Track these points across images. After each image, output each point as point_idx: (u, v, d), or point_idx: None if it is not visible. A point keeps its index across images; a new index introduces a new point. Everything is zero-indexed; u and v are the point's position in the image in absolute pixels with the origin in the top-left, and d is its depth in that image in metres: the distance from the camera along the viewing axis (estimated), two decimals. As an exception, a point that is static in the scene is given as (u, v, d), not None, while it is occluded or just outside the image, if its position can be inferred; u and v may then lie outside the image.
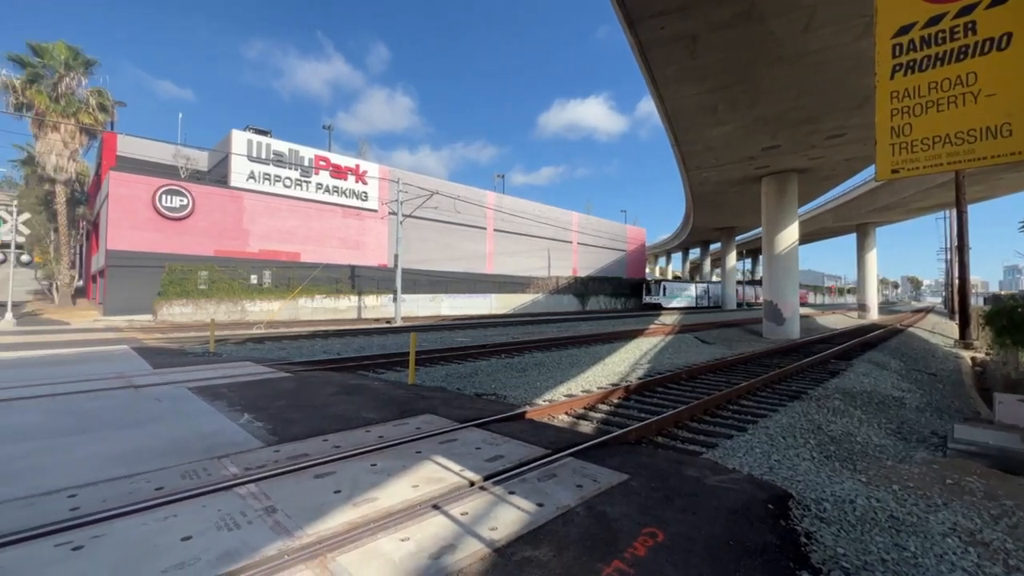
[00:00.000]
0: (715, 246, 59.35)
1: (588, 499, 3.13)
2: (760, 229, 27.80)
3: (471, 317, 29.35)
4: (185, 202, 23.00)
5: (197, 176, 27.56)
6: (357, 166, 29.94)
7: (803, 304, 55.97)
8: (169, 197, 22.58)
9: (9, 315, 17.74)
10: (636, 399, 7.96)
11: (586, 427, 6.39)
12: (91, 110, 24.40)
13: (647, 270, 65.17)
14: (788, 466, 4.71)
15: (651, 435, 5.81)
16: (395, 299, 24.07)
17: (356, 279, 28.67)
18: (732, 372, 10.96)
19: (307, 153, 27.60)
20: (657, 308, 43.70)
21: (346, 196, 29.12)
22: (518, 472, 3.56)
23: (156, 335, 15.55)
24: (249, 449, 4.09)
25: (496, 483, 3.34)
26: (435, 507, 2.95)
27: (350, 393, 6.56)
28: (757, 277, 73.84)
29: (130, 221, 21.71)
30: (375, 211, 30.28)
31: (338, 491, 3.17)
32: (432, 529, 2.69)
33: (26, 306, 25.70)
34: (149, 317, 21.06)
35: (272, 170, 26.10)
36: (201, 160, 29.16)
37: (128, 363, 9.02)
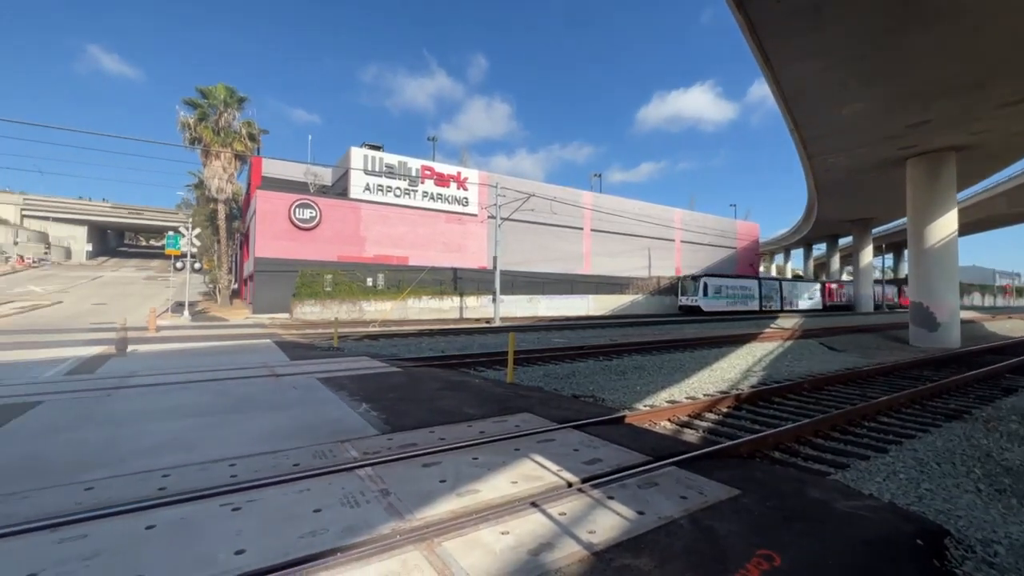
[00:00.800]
0: (845, 240, 52.38)
1: (693, 512, 2.96)
2: (904, 219, 23.96)
3: (568, 318, 29.25)
4: (314, 214, 26.06)
5: (323, 190, 31.07)
6: (458, 173, 31.50)
7: (965, 307, 46.59)
8: (301, 210, 25.76)
9: (186, 313, 21.59)
10: (749, 409, 7.32)
11: (691, 436, 6.04)
12: (243, 139, 28.73)
13: (761, 268, 59.57)
14: (944, 497, 4.01)
15: (767, 449, 5.31)
16: (494, 300, 24.87)
17: (458, 281, 30.15)
18: (868, 384, 9.59)
19: (414, 164, 29.70)
20: (694, 313, 33.93)
21: (448, 202, 30.79)
22: (617, 477, 3.48)
23: (292, 331, 17.81)
24: (366, 436, 4.51)
25: (594, 486, 3.30)
26: (533, 504, 3.00)
27: (453, 389, 6.92)
28: (903, 275, 63.33)
29: (272, 232, 25.17)
30: (475, 215, 31.58)
31: (443, 481, 3.36)
32: (530, 526, 2.74)
33: (197, 305, 31.04)
34: (287, 315, 24.18)
35: (384, 181, 28.51)
36: (326, 176, 32.81)
37: (271, 355, 10.47)
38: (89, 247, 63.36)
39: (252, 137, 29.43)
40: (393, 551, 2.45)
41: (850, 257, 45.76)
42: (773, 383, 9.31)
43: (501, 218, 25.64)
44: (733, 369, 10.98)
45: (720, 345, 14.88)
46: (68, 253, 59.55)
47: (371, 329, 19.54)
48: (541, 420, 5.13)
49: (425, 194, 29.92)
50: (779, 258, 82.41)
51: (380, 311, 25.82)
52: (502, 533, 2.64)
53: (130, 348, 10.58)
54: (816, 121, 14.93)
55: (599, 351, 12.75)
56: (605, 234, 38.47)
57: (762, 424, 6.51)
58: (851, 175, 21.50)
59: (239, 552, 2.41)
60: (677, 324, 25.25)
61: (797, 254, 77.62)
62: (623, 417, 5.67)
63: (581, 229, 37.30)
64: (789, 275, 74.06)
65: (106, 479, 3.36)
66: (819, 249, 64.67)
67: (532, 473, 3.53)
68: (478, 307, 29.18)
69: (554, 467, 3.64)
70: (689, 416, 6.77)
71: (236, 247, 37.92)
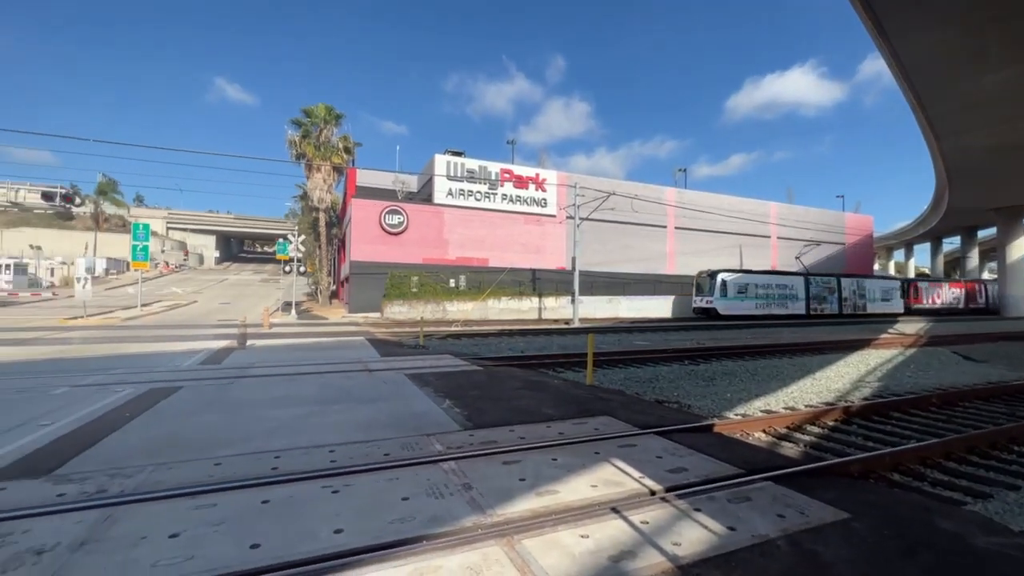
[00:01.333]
0: (985, 232, 44.89)
1: (792, 533, 2.71)
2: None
3: (650, 320, 28.17)
4: (401, 219, 27.67)
5: (409, 197, 32.88)
6: (537, 175, 31.70)
7: None
8: (390, 216, 27.47)
9: (293, 312, 23.98)
10: (861, 424, 6.55)
11: (790, 450, 5.53)
12: (340, 153, 31.29)
13: (876, 265, 52.97)
14: None
15: (883, 470, 4.70)
16: (573, 301, 24.66)
17: (537, 282, 30.32)
18: (1017, 402, 8.13)
19: (493, 168, 30.39)
20: (712, 317, 27.76)
21: (527, 204, 31.09)
22: (705, 488, 3.29)
23: (382, 329, 19.06)
24: (450, 431, 4.70)
25: (679, 496, 3.15)
26: (614, 510, 2.93)
27: (532, 389, 6.97)
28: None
29: (365, 237, 27.12)
30: (553, 216, 31.57)
31: (523, 479, 3.40)
32: (611, 531, 2.68)
33: (302, 305, 34.34)
34: (378, 314, 25.91)
35: (465, 186, 29.50)
36: (412, 183, 34.67)
37: (364, 351, 11.28)
38: (217, 253, 72.81)
39: (348, 150, 31.95)
40: (475, 544, 2.53)
41: (992, 252, 38.94)
42: (891, 395, 8.23)
43: (580, 218, 25.37)
44: (841, 379, 9.88)
45: (825, 351, 13.46)
46: (201, 259, 68.88)
47: (453, 328, 20.30)
48: (622, 424, 4.99)
49: (504, 196, 30.49)
50: (899, 254, 72.71)
51: (462, 311, 26.73)
52: (581, 536, 2.62)
53: (248, 343, 11.97)
54: (945, 96, 12.97)
55: (684, 354, 12.13)
56: (690, 232, 36.53)
57: (877, 441, 5.78)
58: (993, 155, 18.38)
59: (337, 531, 2.62)
60: (772, 328, 23.26)
61: (922, 249, 67.87)
62: (711, 426, 5.34)
63: (664, 227, 35.77)
64: (912, 273, 64.89)
65: (231, 456, 3.84)
66: (951, 243, 56.04)
67: (612, 478, 3.45)
68: (557, 308, 29.11)
69: (636, 473, 3.53)
70: (788, 428, 6.21)
71: (334, 251, 41.36)
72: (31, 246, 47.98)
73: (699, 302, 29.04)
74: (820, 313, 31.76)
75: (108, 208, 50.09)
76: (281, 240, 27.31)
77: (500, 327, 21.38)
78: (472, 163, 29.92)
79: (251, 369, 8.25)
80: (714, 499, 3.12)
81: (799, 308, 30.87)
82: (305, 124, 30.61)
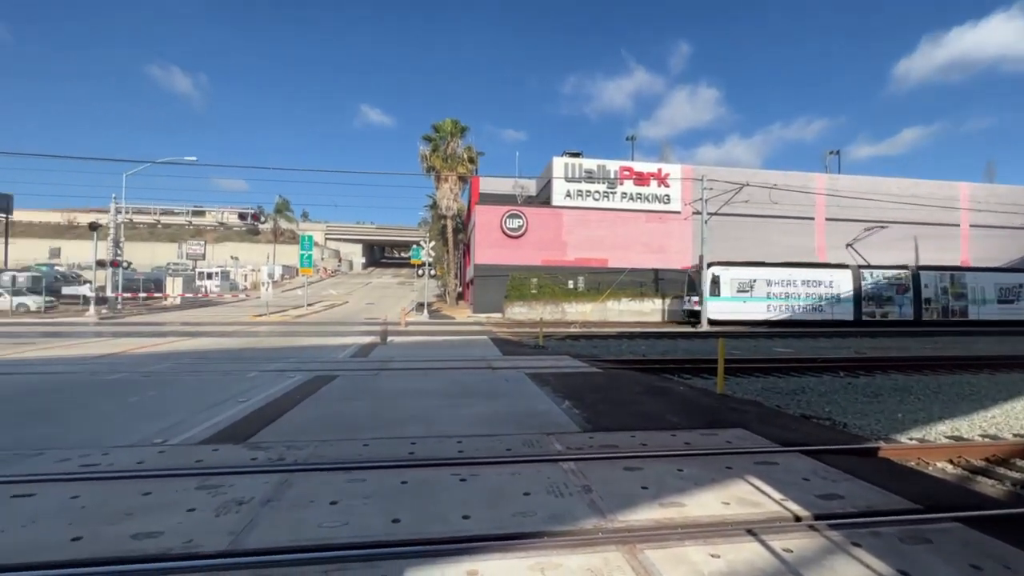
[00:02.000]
0: None
1: (994, 590, 2.19)
2: None
3: (794, 322, 25.02)
4: (521, 223, 28.52)
5: (528, 200, 33.73)
6: (659, 170, 30.21)
7: None
8: (511, 220, 28.49)
9: (425, 312, 26.20)
10: (1103, 464, 5.01)
11: (988, 487, 4.47)
12: (465, 163, 33.39)
13: None
14: None
15: None
16: (701, 302, 22.96)
17: (660, 282, 28.87)
18: None
19: (612, 166, 29.71)
20: (708, 323, 22.72)
21: (648, 201, 29.79)
22: (866, 521, 2.82)
23: (504, 329, 19.85)
24: (569, 431, 4.72)
25: (832, 527, 2.75)
26: (750, 532, 2.67)
27: (655, 394, 6.67)
28: None
29: (488, 241, 28.52)
30: (678, 213, 29.78)
31: (645, 487, 3.28)
32: (746, 555, 2.45)
33: (432, 305, 37.34)
34: (500, 315, 27.04)
35: (584, 186, 29.31)
36: (531, 187, 35.52)
37: (487, 349, 11.87)
38: (363, 260, 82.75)
39: (472, 160, 33.94)
40: (595, 547, 2.51)
41: None
42: None
43: (708, 213, 23.54)
44: (1071, 403, 7.67)
45: (1045, 368, 10.59)
46: (351, 265, 78.90)
47: (572, 330, 20.30)
48: (759, 439, 4.52)
49: (624, 195, 29.62)
50: None
51: (580, 312, 26.59)
52: (711, 555, 2.43)
53: (389, 339, 13.39)
54: None
55: (838, 364, 10.52)
56: (845, 223, 31.52)
57: None
58: None
59: (465, 517, 2.81)
60: (962, 337, 18.99)
61: None
62: (875, 449, 4.56)
63: (812, 219, 31.43)
64: None
65: (376, 439, 4.34)
66: None
67: (748, 497, 3.15)
68: (682, 310, 27.36)
69: (776, 494, 3.17)
70: (986, 460, 5.02)
71: (460, 255, 44.20)
72: (231, 257, 59.71)
73: (688, 303, 24.52)
74: (881, 319, 24.24)
75: (283, 224, 60.16)
76: (415, 246, 30.12)
77: (620, 329, 20.81)
78: (590, 163, 29.63)
79: (391, 363, 9.22)
80: (879, 535, 2.67)
81: (844, 312, 24.07)
82: (434, 139, 33.25)
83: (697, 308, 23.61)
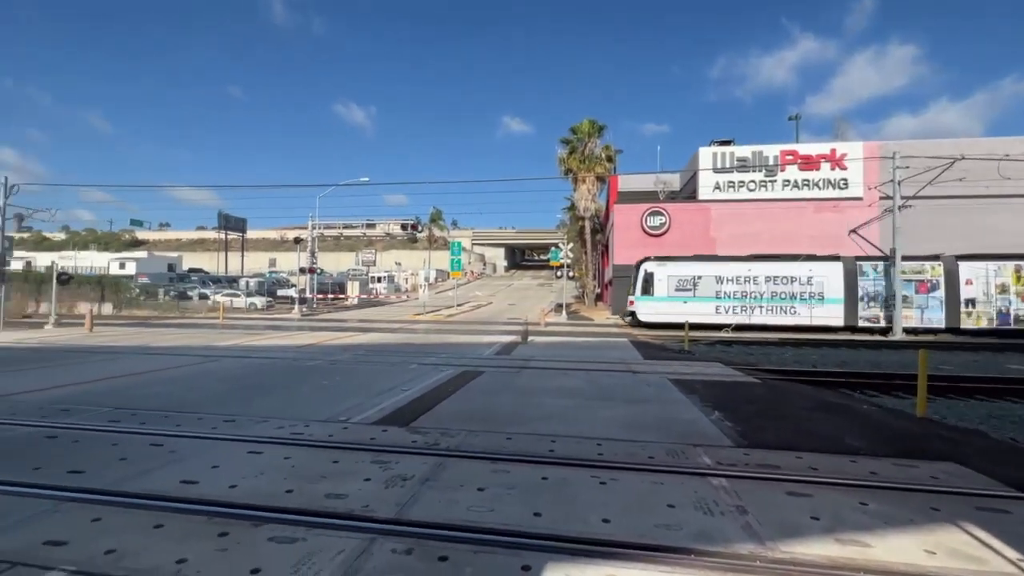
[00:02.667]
0: None
1: None
2: None
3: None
4: (663, 220, 27.05)
5: (672, 196, 31.85)
6: (832, 151, 25.89)
7: None
8: (652, 218, 27.22)
9: (564, 313, 26.52)
10: None
11: None
12: (602, 162, 32.95)
13: None
14: None
15: None
16: (894, 304, 19.05)
17: (833, 281, 24.67)
18: None
19: (771, 151, 26.37)
20: (639, 325, 20.29)
21: (818, 188, 25.73)
22: None
23: (645, 331, 19.04)
24: (720, 445, 4.33)
25: (1107, 608, 2.05)
26: (967, 593, 2.14)
27: (828, 412, 5.74)
28: None
29: (627, 241, 27.68)
30: (859, 199, 25.13)
31: (816, 518, 2.85)
32: (962, 621, 1.96)
33: (571, 306, 37.59)
34: (640, 317, 26.02)
35: (735, 177, 26.57)
36: (675, 182, 33.47)
37: (627, 352, 11.53)
38: (505, 263, 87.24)
39: (609, 159, 33.36)
40: (752, 575, 2.27)
41: None
42: None
43: (902, 197, 19.40)
44: None
45: None
46: (494, 268, 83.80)
47: (723, 334, 18.55)
48: (982, 478, 3.58)
49: (786, 183, 26.04)
50: None
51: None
52: (909, 612, 2.01)
53: (530, 338, 13.88)
54: None
55: (1118, 391, 7.76)
56: None
57: None
58: None
59: (605, 520, 2.77)
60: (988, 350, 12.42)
61: None
62: None
63: (1068, 196, 23.70)
64: None
65: (518, 434, 4.55)
66: None
67: (963, 549, 2.52)
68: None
69: (1012, 553, 2.48)
70: None
71: (598, 256, 43.72)
72: (395, 263, 68.13)
73: (636, 304, 21.84)
74: (890, 325, 18.82)
75: (436, 232, 66.69)
76: (553, 248, 30.72)
77: (781, 335, 18.36)
78: (743, 150, 26.73)
79: (532, 361, 9.55)
80: None
81: (829, 315, 19.79)
82: (571, 141, 33.48)
83: (630, 309, 22.17)
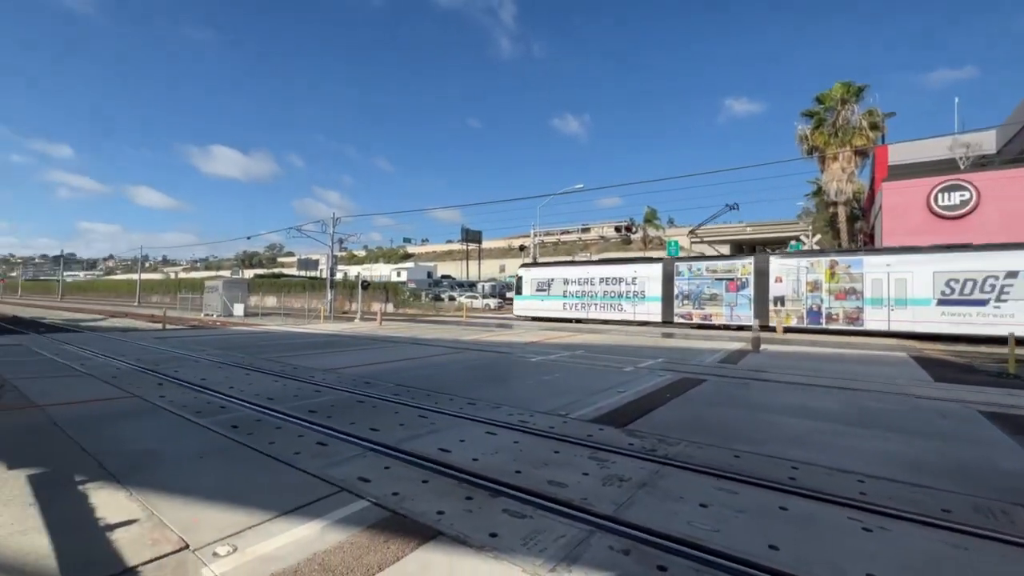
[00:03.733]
0: None
1: None
2: None
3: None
4: (966, 196, 20.08)
5: (982, 163, 23.41)
6: None
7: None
8: (946, 195, 20.52)
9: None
10: None
11: None
12: (863, 132, 26.45)
13: None
14: None
15: None
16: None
17: None
18: None
19: None
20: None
21: None
22: None
23: (932, 345, 14.45)
24: (1079, 514, 2.98)
25: None
26: None
27: None
28: None
29: (904, 227, 21.53)
30: None
31: None
32: None
33: (819, 311, 31.29)
34: (926, 326, 19.87)
35: (1110, 121, 17.84)
36: (986, 142, 24.49)
37: (905, 370, 8.97)
38: (730, 261, 78.66)
39: (874, 126, 26.55)
40: None
41: None
42: None
43: None
44: None
45: None
46: (717, 267, 76.40)
47: None
48: None
49: None
50: None
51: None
52: None
53: (762, 347, 12.15)
54: None
55: None
56: None
57: None
58: None
59: (871, 576, 2.24)
60: None
61: None
62: None
63: None
64: None
65: (747, 453, 4.05)
66: None
67: None
68: None
69: None
70: None
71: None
72: (609, 265, 68.98)
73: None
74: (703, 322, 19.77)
75: (651, 232, 64.60)
76: (793, 242, 26.19)
77: None
78: None
79: (764, 373, 8.35)
80: None
81: (649, 312, 21.62)
82: (817, 113, 27.96)
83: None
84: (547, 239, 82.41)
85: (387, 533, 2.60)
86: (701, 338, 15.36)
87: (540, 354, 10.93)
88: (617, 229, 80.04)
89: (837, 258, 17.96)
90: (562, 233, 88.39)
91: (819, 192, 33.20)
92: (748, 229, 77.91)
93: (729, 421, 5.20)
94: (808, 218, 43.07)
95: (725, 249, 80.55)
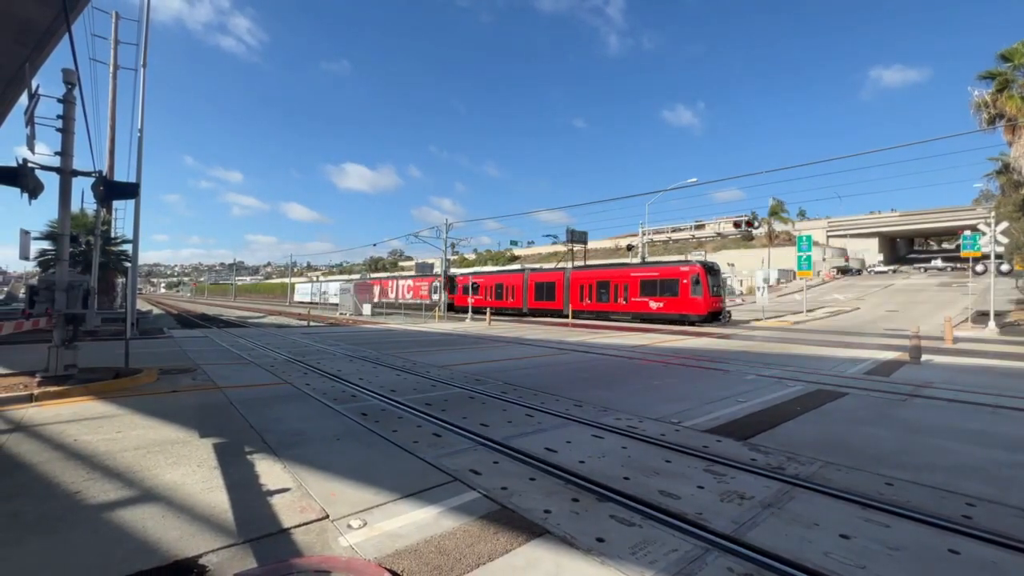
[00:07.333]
0: None
1: None
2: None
3: None
4: None
5: None
6: None
7: None
8: None
9: (991, 324, 18.26)
10: None
11: None
12: (1073, 90, 20.96)
13: None
14: None
15: None
16: None
17: None
18: None
19: None
20: None
21: None
22: None
23: None
24: None
25: None
26: None
27: None
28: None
29: None
30: None
31: None
32: None
33: (1007, 315, 25.48)
34: None
35: None
36: None
37: None
38: (880, 256, 67.40)
39: (1090, 82, 20.88)
40: None
41: None
42: None
43: None
44: None
45: None
46: (862, 264, 66.02)
47: None
48: None
49: None
50: None
51: None
52: None
53: (924, 357, 10.26)
54: None
55: None
56: None
57: None
58: None
59: (1087, 652, 1.77)
60: None
61: None
62: None
63: None
64: None
65: (904, 482, 3.45)
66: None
67: None
68: None
69: None
70: None
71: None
72: (727, 264, 63.36)
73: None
74: None
75: (777, 226, 58.16)
76: (967, 232, 21.67)
77: None
78: None
79: (927, 389, 7.04)
80: None
81: None
82: (1003, 74, 22.82)
83: None
84: (656, 237, 78.55)
85: (496, 525, 2.70)
86: (840, 346, 13.45)
87: (649, 357, 10.47)
88: (736, 224, 73.70)
89: None
90: (673, 230, 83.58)
91: (1006, 170, 27.04)
92: (903, 219, 66.42)
93: (879, 442, 4.48)
94: (990, 202, 35.42)
95: (872, 242, 69.59)
